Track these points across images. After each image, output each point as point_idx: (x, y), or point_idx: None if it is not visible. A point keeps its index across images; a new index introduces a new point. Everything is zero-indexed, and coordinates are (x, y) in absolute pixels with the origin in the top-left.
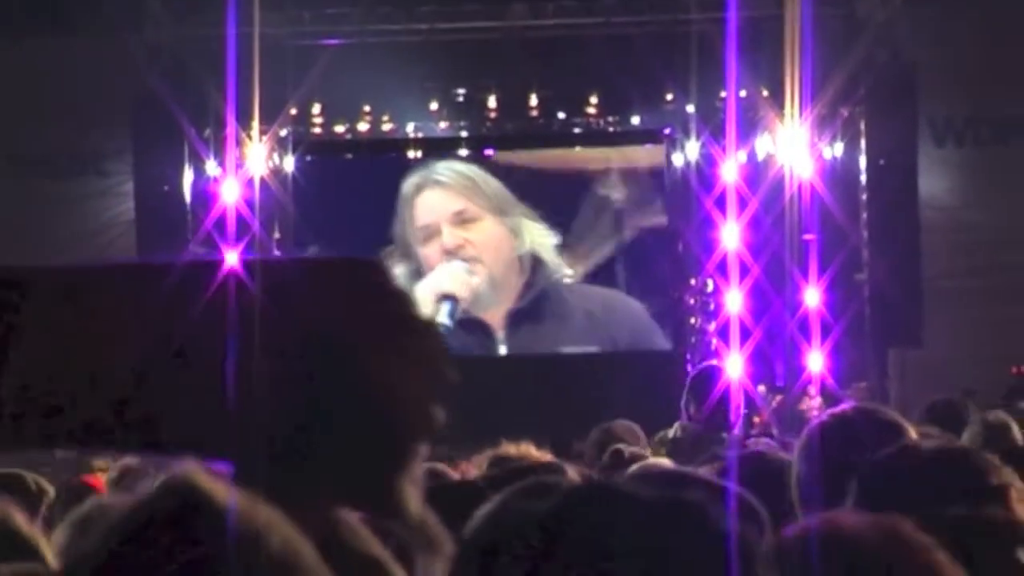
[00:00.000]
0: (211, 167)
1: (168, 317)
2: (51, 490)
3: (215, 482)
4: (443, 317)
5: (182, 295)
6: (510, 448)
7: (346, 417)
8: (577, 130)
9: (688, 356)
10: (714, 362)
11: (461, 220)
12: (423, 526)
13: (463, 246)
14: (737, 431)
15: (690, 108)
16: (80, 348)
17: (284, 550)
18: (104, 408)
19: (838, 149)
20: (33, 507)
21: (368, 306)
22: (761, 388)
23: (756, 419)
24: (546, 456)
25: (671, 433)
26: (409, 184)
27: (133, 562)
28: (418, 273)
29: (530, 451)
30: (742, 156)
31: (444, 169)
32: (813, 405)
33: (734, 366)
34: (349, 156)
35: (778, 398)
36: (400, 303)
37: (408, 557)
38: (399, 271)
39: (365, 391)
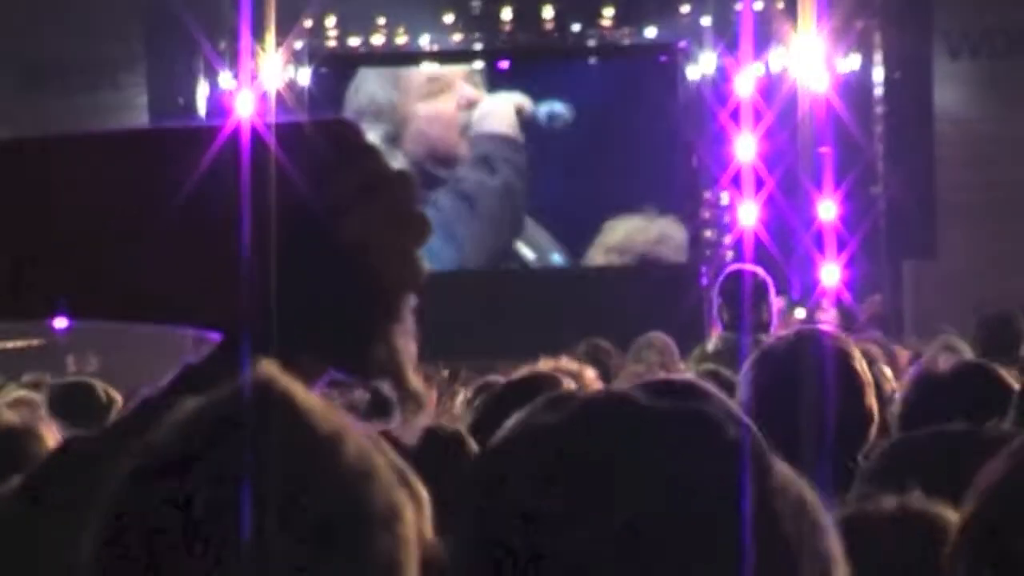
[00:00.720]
0: (226, 80)
1: (159, 183)
2: (119, 399)
3: (293, 383)
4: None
5: (174, 161)
6: (549, 363)
7: (329, 275)
8: (591, 42)
9: (703, 269)
10: (746, 266)
11: (473, 81)
12: (410, 387)
13: (476, 103)
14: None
15: (705, 20)
16: (71, 214)
17: (360, 454)
18: (95, 277)
19: (853, 62)
20: (103, 416)
21: (343, 164)
22: (779, 299)
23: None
24: (587, 370)
25: (709, 346)
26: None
27: (211, 459)
28: (394, 137)
29: (569, 366)
30: (757, 69)
31: None
32: (828, 318)
33: None
34: (363, 68)
35: (799, 312)
36: (374, 158)
37: (388, 410)
38: (372, 133)
39: (345, 248)
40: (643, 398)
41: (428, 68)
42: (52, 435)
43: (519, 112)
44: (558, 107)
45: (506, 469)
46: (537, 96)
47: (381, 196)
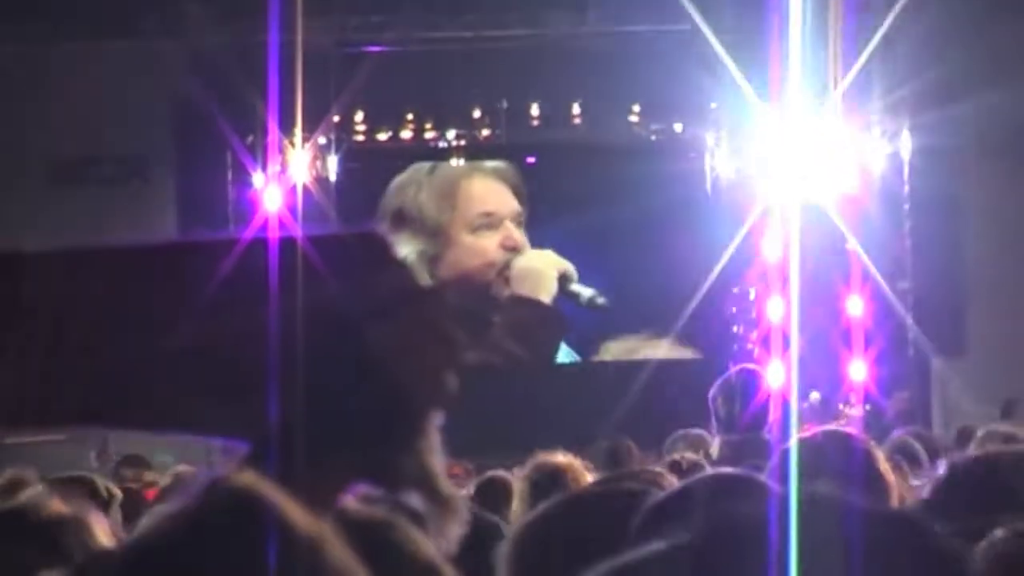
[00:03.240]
0: (254, 174)
1: (187, 295)
2: (119, 494)
3: (271, 488)
4: (592, 295)
5: (201, 274)
6: (554, 457)
7: (359, 390)
8: (620, 139)
9: (730, 364)
10: (749, 365)
11: (518, 223)
12: (442, 495)
13: (520, 249)
14: (769, 435)
15: (733, 117)
16: (92, 327)
17: (342, 565)
18: (119, 388)
19: (881, 156)
20: (103, 511)
21: (374, 278)
22: (815, 395)
23: (805, 427)
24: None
25: (713, 451)
26: (453, 167)
27: (184, 563)
28: (435, 258)
29: (571, 461)
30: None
31: (501, 165)
32: (854, 414)
33: (776, 375)
34: (392, 163)
35: (814, 401)
36: (404, 274)
37: (422, 522)
38: (408, 247)
39: (376, 364)
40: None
41: (481, 201)
42: (101, 526)
43: (561, 279)
44: (599, 299)
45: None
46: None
47: (412, 311)
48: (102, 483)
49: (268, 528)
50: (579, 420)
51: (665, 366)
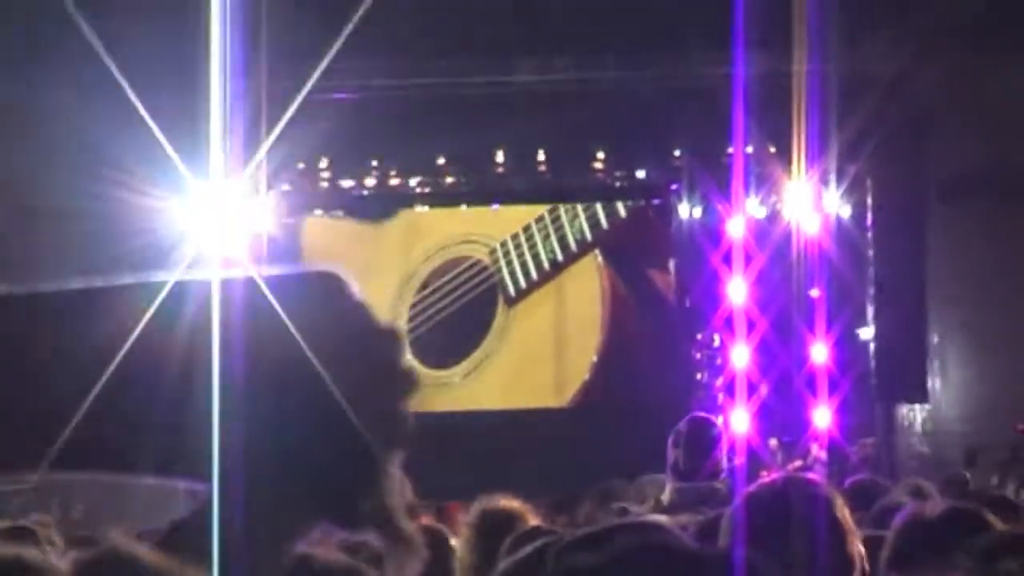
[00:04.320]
0: (218, 221)
1: (140, 336)
2: (60, 543)
3: (143, 550)
4: None
5: (159, 314)
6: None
7: (316, 431)
8: (583, 185)
9: (695, 410)
10: (699, 415)
11: None
12: (403, 534)
13: None
14: (720, 483)
15: (696, 164)
16: (52, 369)
17: None
18: (81, 430)
19: (844, 205)
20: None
21: (331, 319)
22: (772, 442)
23: (764, 473)
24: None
25: (664, 497)
26: None
27: None
28: None
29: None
30: (749, 211)
31: None
32: (819, 461)
33: (740, 421)
34: (357, 210)
35: (796, 463)
36: (361, 312)
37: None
38: None
39: (332, 404)
40: (678, 541)
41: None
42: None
43: None
44: None
45: None
46: None
47: (368, 351)
48: (43, 533)
49: None
50: (551, 466)
51: (634, 411)
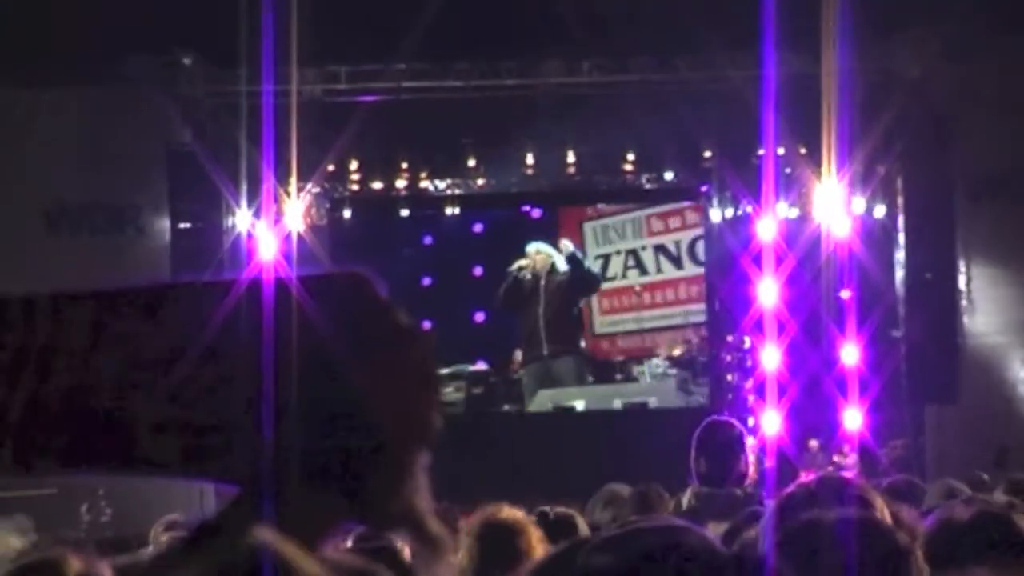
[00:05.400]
0: (248, 223)
1: (179, 338)
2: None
3: (290, 547)
4: None
5: (191, 317)
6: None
7: (345, 431)
8: (613, 187)
9: (725, 413)
10: (720, 418)
11: None
12: (430, 534)
13: None
14: (739, 490)
15: (726, 165)
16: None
17: None
18: (107, 429)
19: (875, 206)
20: None
21: (358, 319)
22: (813, 443)
23: (802, 475)
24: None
25: (684, 501)
26: None
27: None
28: None
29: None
30: (779, 213)
31: None
32: (849, 463)
33: (770, 423)
34: (386, 212)
35: (835, 460)
36: (390, 313)
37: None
38: None
39: (361, 405)
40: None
41: None
42: None
43: None
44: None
45: None
46: None
47: (395, 352)
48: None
49: None
50: (575, 468)
51: (666, 414)
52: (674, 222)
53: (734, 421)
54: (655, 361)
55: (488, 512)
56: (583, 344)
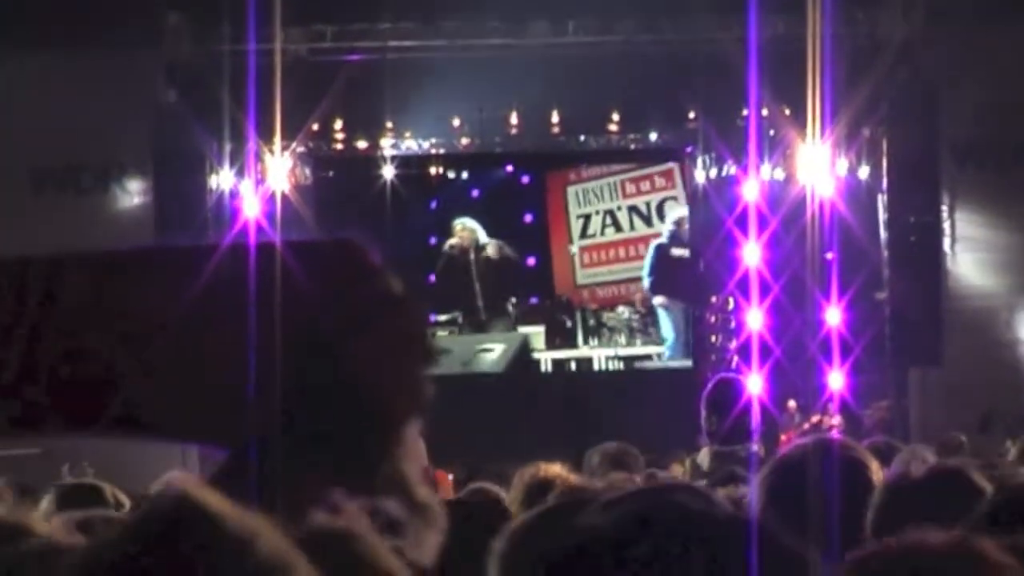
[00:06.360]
0: (232, 182)
1: (165, 302)
2: (127, 501)
3: (207, 492)
4: None
5: (180, 280)
6: (550, 469)
7: (335, 398)
8: (598, 147)
9: (709, 374)
10: (727, 375)
11: None
12: (420, 502)
13: None
14: (757, 445)
15: (711, 126)
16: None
17: (274, 553)
18: (96, 393)
19: (859, 168)
20: None
21: (350, 284)
22: (791, 403)
23: (783, 437)
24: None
25: (703, 462)
26: None
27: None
28: None
29: (564, 474)
30: (763, 174)
31: None
32: (833, 424)
33: (754, 384)
34: (370, 171)
35: (812, 419)
36: (381, 280)
37: (399, 529)
38: None
39: (351, 372)
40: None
41: None
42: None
43: None
44: None
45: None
46: None
47: (387, 319)
48: (109, 489)
49: (199, 532)
50: (572, 428)
51: (646, 372)
52: (644, 185)
53: (742, 378)
54: (620, 308)
55: (535, 470)
56: (558, 293)
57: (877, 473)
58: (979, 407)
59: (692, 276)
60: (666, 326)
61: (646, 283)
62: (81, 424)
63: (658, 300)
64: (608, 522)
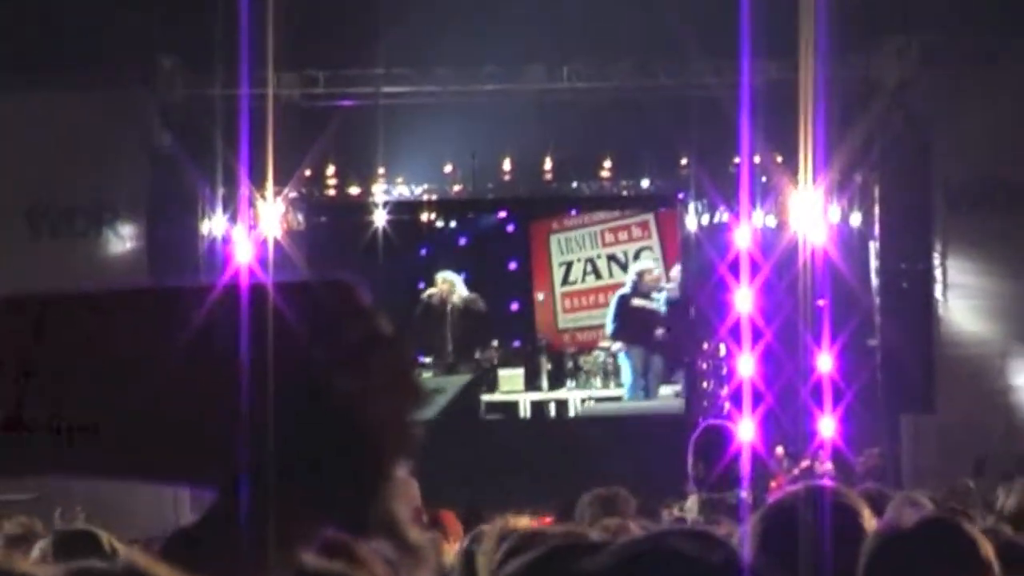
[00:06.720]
0: (225, 227)
1: (155, 342)
2: (122, 549)
3: (159, 566)
4: None
5: (170, 321)
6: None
7: (327, 437)
8: (590, 193)
9: (700, 420)
10: (716, 422)
11: None
12: (409, 542)
13: None
14: (745, 492)
15: (703, 173)
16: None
17: None
18: (90, 435)
19: (851, 215)
20: None
21: (340, 324)
22: (779, 450)
23: (773, 483)
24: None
25: (691, 508)
26: None
27: None
28: None
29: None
30: (756, 221)
31: None
32: (825, 471)
33: (746, 430)
34: (363, 216)
35: (802, 465)
36: (371, 320)
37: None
38: None
39: (343, 410)
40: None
41: None
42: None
43: None
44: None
45: None
46: None
47: (376, 359)
48: (106, 537)
49: None
50: (552, 474)
51: (639, 418)
52: (622, 235)
53: (729, 424)
54: (596, 352)
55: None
56: (539, 337)
57: (869, 520)
58: (972, 453)
59: (651, 324)
60: (625, 370)
61: (609, 329)
62: (73, 465)
63: (616, 346)
64: (605, 567)
